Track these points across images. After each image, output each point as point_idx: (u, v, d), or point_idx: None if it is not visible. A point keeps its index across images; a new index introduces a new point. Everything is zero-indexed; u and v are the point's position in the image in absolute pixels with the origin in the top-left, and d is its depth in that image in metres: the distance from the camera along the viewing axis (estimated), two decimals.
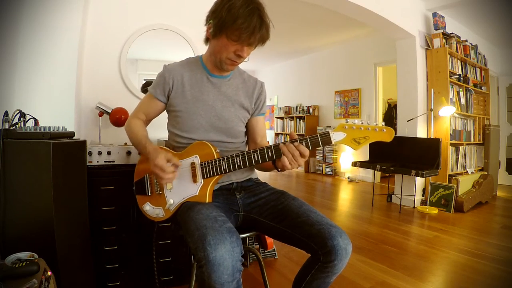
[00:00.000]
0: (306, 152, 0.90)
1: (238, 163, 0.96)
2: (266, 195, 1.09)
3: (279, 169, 0.98)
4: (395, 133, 3.86)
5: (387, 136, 0.89)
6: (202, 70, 1.11)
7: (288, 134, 6.57)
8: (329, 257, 0.87)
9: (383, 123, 0.90)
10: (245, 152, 0.96)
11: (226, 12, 0.92)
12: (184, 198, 1.02)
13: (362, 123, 0.89)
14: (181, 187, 1.04)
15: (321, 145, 0.89)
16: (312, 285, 0.94)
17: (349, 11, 3.03)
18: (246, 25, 0.91)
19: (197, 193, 1.01)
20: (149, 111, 1.15)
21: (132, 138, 1.12)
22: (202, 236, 0.78)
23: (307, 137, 0.90)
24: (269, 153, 0.93)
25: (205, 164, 1.00)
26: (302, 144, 0.90)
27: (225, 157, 0.97)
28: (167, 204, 1.04)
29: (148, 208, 1.09)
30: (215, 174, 0.99)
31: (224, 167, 0.97)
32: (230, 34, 0.94)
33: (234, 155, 0.97)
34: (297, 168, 0.95)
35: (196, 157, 1.02)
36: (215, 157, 1.00)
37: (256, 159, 0.94)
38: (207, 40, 1.07)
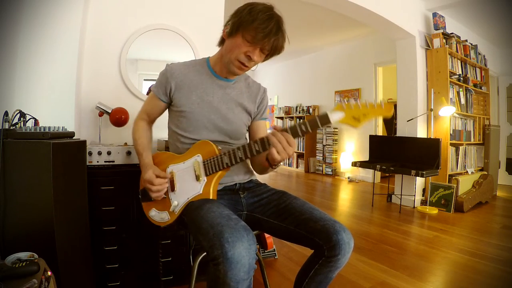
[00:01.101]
0: (293, 142, 0.89)
1: (240, 155, 0.96)
2: (268, 195, 1.10)
3: (273, 166, 0.99)
4: (395, 133, 3.88)
5: (386, 111, 0.86)
6: (208, 72, 1.12)
7: None
8: (333, 251, 0.89)
9: (382, 101, 0.89)
10: (246, 144, 0.95)
11: (246, 13, 0.96)
12: (188, 198, 1.02)
13: (360, 102, 0.88)
14: (185, 187, 1.04)
15: (319, 125, 0.87)
16: (315, 280, 0.96)
17: (349, 11, 3.03)
18: (263, 27, 0.94)
19: (201, 191, 1.00)
20: (152, 111, 1.18)
21: (133, 143, 1.17)
22: (218, 233, 0.78)
23: (306, 120, 0.88)
24: (269, 142, 0.92)
25: (207, 161, 1.01)
26: (302, 127, 0.88)
27: (226, 152, 0.98)
28: (172, 206, 1.04)
29: (154, 213, 1.09)
30: (217, 169, 0.99)
31: (226, 161, 0.97)
32: (245, 34, 0.96)
33: (235, 148, 0.96)
34: (287, 158, 0.94)
35: (198, 156, 1.03)
36: (217, 153, 1.00)
37: (257, 148, 0.93)
38: (222, 41, 1.08)
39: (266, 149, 0.92)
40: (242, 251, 0.75)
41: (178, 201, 1.03)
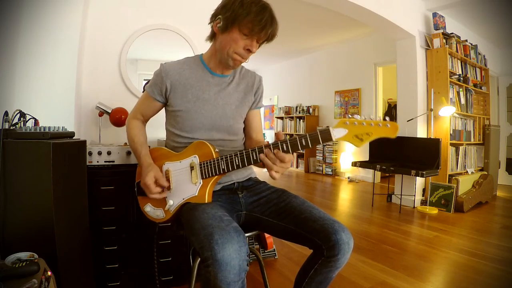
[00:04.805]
0: (286, 158, 0.87)
1: (237, 163, 0.94)
2: (267, 194, 1.09)
3: None
4: None
5: (391, 131, 0.83)
6: (203, 69, 1.11)
7: (288, 134, 6.59)
8: (332, 251, 0.88)
9: (388, 118, 0.85)
10: (243, 151, 0.94)
11: (238, 6, 0.95)
12: (183, 199, 1.02)
13: (364, 118, 0.84)
14: (180, 187, 1.03)
15: (321, 142, 0.85)
16: (315, 280, 0.95)
17: (349, 11, 3.03)
18: (259, 19, 0.94)
19: (197, 194, 1.00)
20: (146, 111, 1.16)
21: (130, 142, 1.14)
22: (208, 235, 0.78)
23: (307, 134, 0.86)
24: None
25: (204, 164, 1.00)
26: (302, 141, 0.86)
27: (223, 157, 0.96)
28: (167, 205, 1.04)
29: (149, 209, 1.09)
30: (213, 174, 0.98)
31: (223, 167, 0.96)
32: (242, 27, 0.96)
33: (233, 154, 0.95)
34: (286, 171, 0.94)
35: (195, 157, 1.02)
36: (214, 156, 0.99)
37: (255, 158, 0.92)
38: (212, 36, 1.07)
39: None
40: (232, 253, 0.74)
41: (173, 200, 1.03)
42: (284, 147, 0.87)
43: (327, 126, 0.87)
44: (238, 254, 0.75)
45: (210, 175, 0.98)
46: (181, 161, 1.04)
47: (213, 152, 1.00)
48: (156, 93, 1.09)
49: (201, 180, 1.00)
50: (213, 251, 0.74)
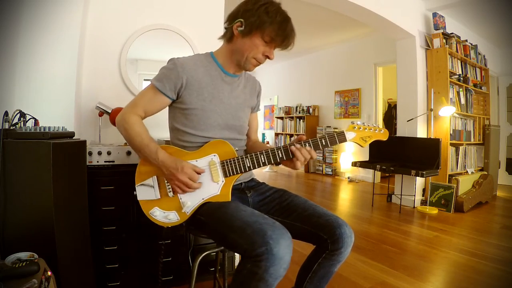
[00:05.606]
0: (315, 155, 1.01)
1: (263, 160, 0.99)
2: (270, 194, 1.12)
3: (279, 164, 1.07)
4: (395, 133, 3.88)
5: (384, 136, 1.09)
6: (217, 67, 1.09)
7: (288, 134, 6.59)
8: (337, 244, 0.93)
9: (380, 125, 1.09)
10: (269, 150, 1.00)
11: (263, 13, 0.97)
12: (203, 199, 0.99)
13: (364, 124, 1.05)
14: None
15: (337, 142, 1.02)
16: (317, 274, 0.98)
17: (349, 11, 3.03)
18: (283, 30, 0.99)
19: (219, 193, 0.99)
20: (151, 107, 1.04)
21: (135, 138, 1.00)
22: (259, 231, 0.79)
23: (326, 135, 1.00)
24: (294, 154, 1.01)
25: (226, 162, 1.00)
26: (322, 142, 1.00)
27: (248, 155, 1.00)
28: (184, 207, 0.98)
29: (158, 213, 0.99)
30: (238, 172, 1.00)
31: (248, 165, 0.99)
32: (265, 35, 0.99)
33: (258, 153, 1.00)
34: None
35: (215, 155, 1.02)
36: (236, 155, 1.01)
37: (280, 156, 0.99)
38: (230, 37, 1.05)
39: (290, 158, 0.99)
40: (286, 248, 0.78)
41: (191, 201, 0.98)
42: (307, 146, 1.00)
43: (342, 130, 1.03)
44: (289, 250, 0.79)
45: (234, 173, 1.00)
46: (198, 160, 1.01)
47: (234, 151, 1.02)
48: (167, 88, 1.01)
49: (224, 179, 1.00)
50: (269, 246, 0.76)
